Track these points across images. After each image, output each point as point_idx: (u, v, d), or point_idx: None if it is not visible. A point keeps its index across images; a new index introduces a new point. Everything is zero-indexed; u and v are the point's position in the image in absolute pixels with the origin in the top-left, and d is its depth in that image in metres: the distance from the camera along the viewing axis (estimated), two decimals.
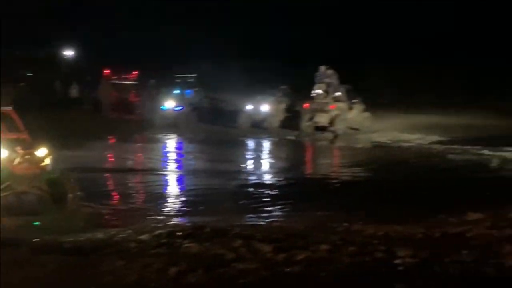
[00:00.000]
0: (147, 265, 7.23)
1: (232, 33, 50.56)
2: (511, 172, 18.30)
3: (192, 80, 37.68)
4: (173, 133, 30.28)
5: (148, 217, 11.52)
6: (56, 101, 34.98)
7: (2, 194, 10.50)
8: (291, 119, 34.61)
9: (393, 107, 42.19)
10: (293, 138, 31.47)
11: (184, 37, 48.46)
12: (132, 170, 19.22)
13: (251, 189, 15.01)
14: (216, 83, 38.89)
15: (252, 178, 17.46)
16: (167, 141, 28.23)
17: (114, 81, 35.64)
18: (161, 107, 34.23)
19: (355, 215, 10.90)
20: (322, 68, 35.20)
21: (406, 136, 32.02)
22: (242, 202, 13.00)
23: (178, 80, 37.39)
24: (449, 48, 57.05)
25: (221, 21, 56.06)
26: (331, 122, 33.80)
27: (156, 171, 18.96)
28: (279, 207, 12.45)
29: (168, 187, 16.77)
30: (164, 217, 11.59)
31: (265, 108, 34.91)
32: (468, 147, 25.98)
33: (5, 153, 10.96)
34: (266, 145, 29.26)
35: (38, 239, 9.06)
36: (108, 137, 26.96)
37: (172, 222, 10.74)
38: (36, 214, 10.63)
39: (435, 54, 55.52)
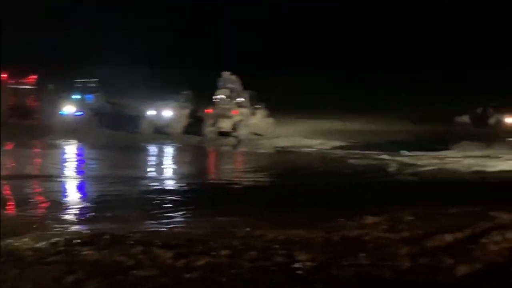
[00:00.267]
0: (43, 273, 7.04)
1: (134, 38, 50.10)
2: (408, 176, 18.76)
3: (93, 84, 37.03)
4: (74, 138, 29.68)
5: (46, 225, 11.22)
6: None
7: None
8: (194, 125, 34.57)
9: (296, 113, 42.68)
10: (196, 143, 31.41)
11: (86, 41, 47.71)
12: (31, 177, 18.69)
13: (153, 195, 14.84)
14: (118, 88, 38.39)
15: (154, 184, 17.29)
16: (67, 147, 27.63)
17: (12, 86, 34.67)
18: (61, 112, 33.55)
19: (257, 220, 10.92)
20: (225, 73, 35.31)
21: (308, 141, 32.46)
22: (144, 208, 12.83)
23: (79, 85, 36.70)
24: (356, 58, 58.43)
25: (124, 25, 55.42)
26: (234, 128, 33.94)
27: (55, 178, 18.51)
28: (180, 213, 12.35)
29: (68, 194, 16.39)
30: (63, 224, 11.31)
31: (167, 113, 34.72)
32: (368, 152, 26.56)
33: None
34: (169, 150, 29.08)
35: None
36: (6, 143, 26.16)
37: (70, 230, 10.50)
38: None
39: (341, 63, 56.73)
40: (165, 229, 10.18)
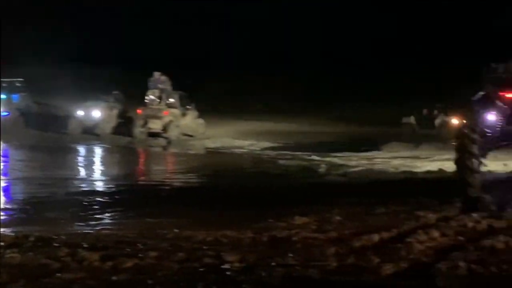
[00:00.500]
0: None
1: (64, 38, 49.26)
2: (337, 177, 18.96)
3: (19, 84, 36.18)
4: None
5: None
6: None
7: None
8: (124, 125, 34.21)
9: (226, 113, 42.74)
10: (125, 144, 31.10)
11: (13, 40, 46.65)
12: None
13: (81, 197, 14.60)
14: (46, 88, 37.68)
15: (83, 186, 17.03)
16: None
17: None
18: None
19: (186, 221, 10.87)
20: (156, 74, 35.05)
21: (239, 142, 32.54)
22: (71, 210, 12.62)
23: (4, 85, 35.82)
24: (295, 59, 58.65)
25: (53, 24, 54.38)
26: (165, 128, 33.74)
27: None
28: (109, 214, 12.19)
29: None
30: None
31: (96, 114, 34.23)
32: (298, 153, 26.75)
33: None
34: (98, 151, 28.69)
35: None
36: None
37: None
38: None
39: (278, 64, 56.91)
40: (92, 231, 10.03)
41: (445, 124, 33.59)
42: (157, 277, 6.76)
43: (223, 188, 17.01)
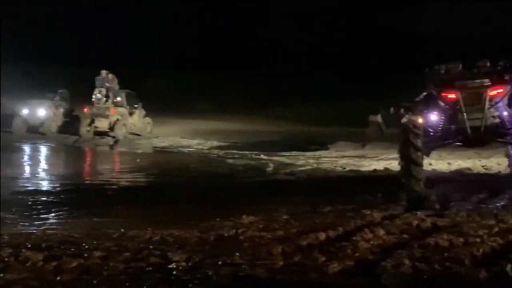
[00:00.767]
0: None
1: (8, 35, 48.46)
2: (285, 176, 19.02)
3: None
4: None
5: None
6: None
7: None
8: (70, 124, 33.86)
9: (174, 112, 42.59)
10: (71, 143, 30.77)
11: None
12: None
13: (26, 196, 14.36)
14: None
15: (27, 185, 16.73)
16: None
17: None
18: None
19: (133, 221, 10.79)
20: (103, 72, 34.82)
21: (186, 141, 32.50)
22: (15, 209, 12.40)
23: None
24: (242, 57, 58.65)
25: None
26: (112, 127, 33.52)
27: None
28: (54, 214, 12.02)
29: None
30: None
31: (42, 112, 33.79)
32: (246, 152, 26.81)
33: None
34: (44, 150, 28.30)
35: None
36: None
37: None
38: None
39: (225, 63, 56.87)
40: (37, 231, 9.87)
41: None
42: (102, 277, 6.69)
43: (170, 187, 16.95)
